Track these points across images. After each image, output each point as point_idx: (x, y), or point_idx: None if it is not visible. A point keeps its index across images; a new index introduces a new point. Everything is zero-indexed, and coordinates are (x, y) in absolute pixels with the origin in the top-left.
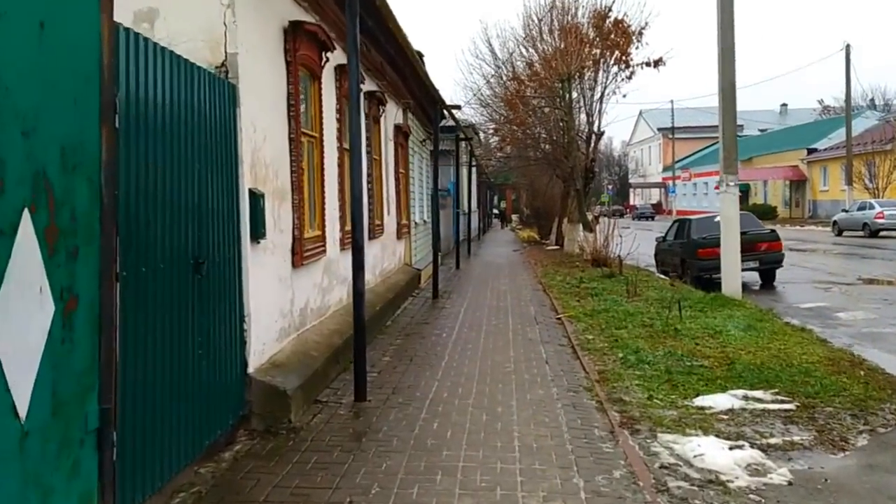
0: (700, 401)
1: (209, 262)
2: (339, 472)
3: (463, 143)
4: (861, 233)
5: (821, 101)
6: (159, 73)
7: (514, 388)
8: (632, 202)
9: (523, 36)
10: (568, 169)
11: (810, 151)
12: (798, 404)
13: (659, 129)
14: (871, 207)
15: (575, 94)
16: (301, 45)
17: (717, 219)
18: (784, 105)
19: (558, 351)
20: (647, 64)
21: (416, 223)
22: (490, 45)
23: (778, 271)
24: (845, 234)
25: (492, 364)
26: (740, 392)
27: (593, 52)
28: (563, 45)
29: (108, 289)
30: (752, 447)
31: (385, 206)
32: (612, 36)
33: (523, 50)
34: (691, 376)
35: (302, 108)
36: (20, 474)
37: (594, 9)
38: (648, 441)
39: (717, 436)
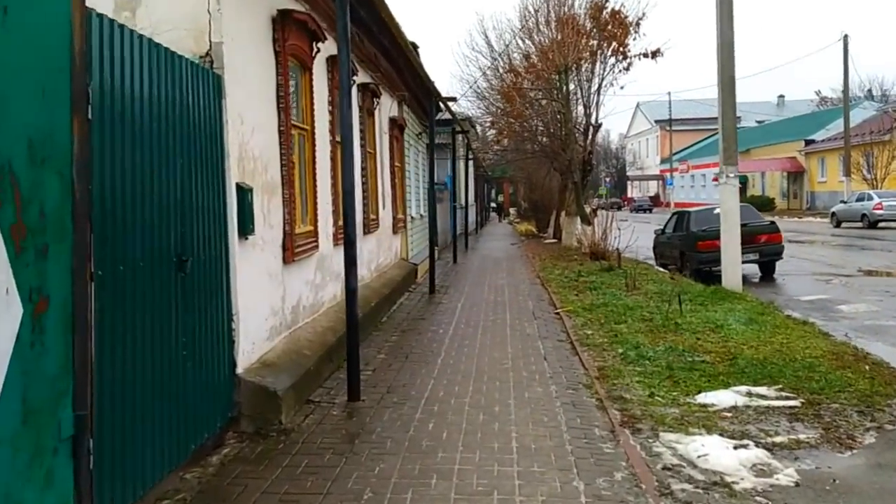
0: (702, 398)
1: (194, 259)
2: (331, 476)
3: (460, 137)
4: (860, 224)
5: (818, 93)
6: (137, 62)
7: (512, 386)
8: (629, 195)
9: (520, 27)
10: (566, 161)
11: (808, 143)
12: (803, 401)
13: (656, 122)
14: (870, 198)
15: (572, 86)
16: (290, 35)
17: (717, 211)
18: (781, 96)
19: (557, 347)
20: (645, 55)
21: (412, 217)
22: (486, 36)
23: (778, 263)
24: (844, 225)
25: (489, 361)
26: (744, 388)
27: (590, 44)
28: (559, 37)
29: (81, 289)
30: (757, 446)
31: (380, 201)
32: (610, 27)
33: (520, 41)
34: (693, 372)
35: (292, 99)
36: None
37: None
38: (650, 441)
39: (720, 435)
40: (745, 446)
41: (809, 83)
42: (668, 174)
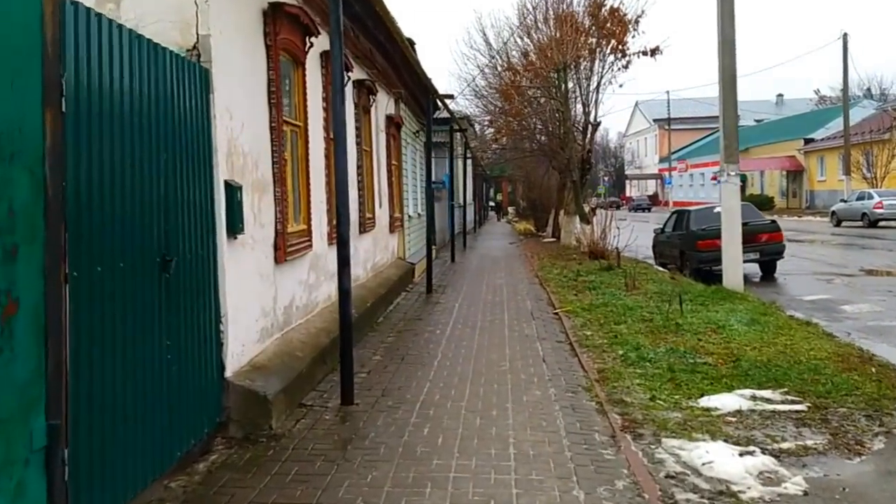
0: (706, 401)
1: (179, 259)
2: (321, 484)
3: (458, 135)
4: (860, 223)
5: (817, 91)
6: (117, 54)
7: (510, 389)
8: (628, 194)
9: (518, 25)
10: (564, 160)
11: (807, 141)
12: (809, 405)
13: (655, 121)
14: (870, 197)
15: (571, 84)
16: (282, 29)
17: (717, 210)
18: (780, 95)
19: (556, 348)
20: (644, 53)
21: (409, 216)
22: (484, 34)
23: (778, 263)
24: (844, 224)
25: (486, 363)
26: (748, 392)
27: (589, 42)
28: (558, 34)
29: (54, 291)
30: (763, 453)
31: (377, 199)
32: (609, 25)
33: (518, 39)
34: (695, 375)
35: (285, 95)
36: None
37: None
38: (653, 447)
39: (725, 441)
40: (751, 453)
41: (808, 82)
42: (666, 173)
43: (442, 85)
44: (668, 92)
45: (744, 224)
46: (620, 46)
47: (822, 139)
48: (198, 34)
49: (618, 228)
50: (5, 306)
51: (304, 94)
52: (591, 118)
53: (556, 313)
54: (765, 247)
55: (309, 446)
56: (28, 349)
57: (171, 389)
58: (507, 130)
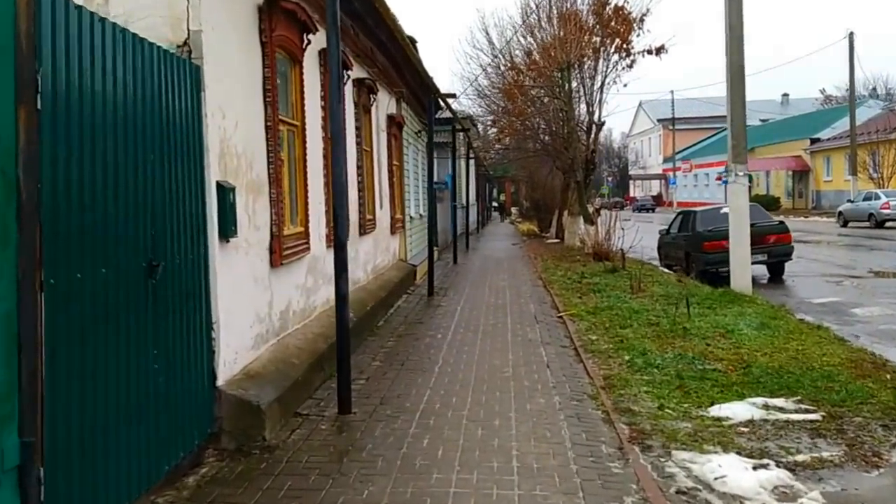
0: (716, 410)
1: (167, 264)
2: (315, 500)
3: (460, 135)
4: (867, 223)
5: (822, 91)
6: (99, 49)
7: (513, 397)
8: (632, 194)
9: (521, 24)
10: (568, 160)
11: (813, 141)
12: (824, 414)
13: (659, 120)
14: (877, 198)
15: (575, 84)
16: (278, 25)
17: (724, 210)
18: (785, 95)
19: (560, 353)
20: (649, 52)
21: (411, 217)
22: (487, 33)
23: (786, 264)
24: (851, 224)
25: (489, 369)
26: (760, 400)
27: (593, 41)
28: (562, 33)
29: (29, 300)
30: (778, 466)
31: (377, 200)
32: (613, 23)
33: (521, 38)
34: (704, 382)
35: (281, 94)
36: None
37: None
38: (662, 460)
39: (738, 453)
40: (765, 466)
41: (813, 81)
42: (670, 173)
43: (444, 84)
44: (672, 92)
45: (751, 225)
46: (625, 45)
47: (829, 139)
48: (189, 30)
49: (622, 229)
50: None
51: (302, 92)
52: (596, 118)
53: (560, 316)
54: (773, 248)
55: (303, 459)
56: None
57: (158, 401)
58: (510, 130)
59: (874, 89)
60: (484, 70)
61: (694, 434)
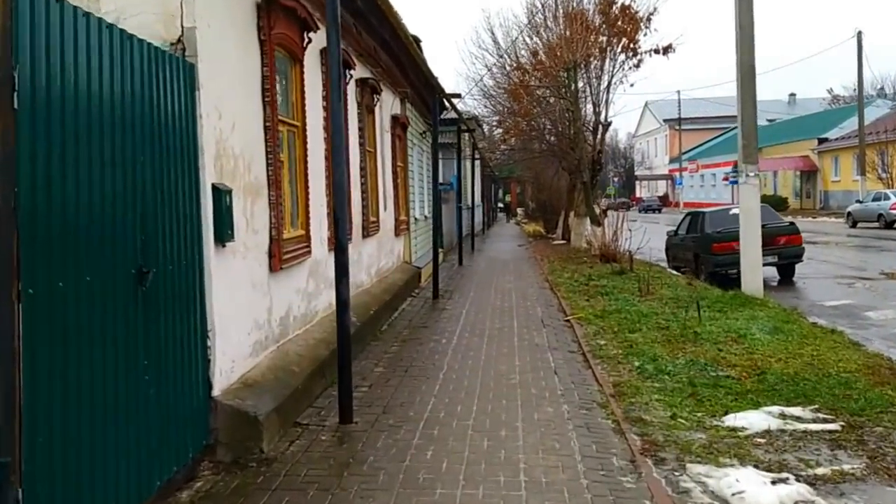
0: (731, 420)
1: (159, 270)
2: None
3: (466, 136)
4: (876, 224)
5: (830, 91)
6: (83, 45)
7: (520, 406)
8: (638, 194)
9: (527, 23)
10: (574, 161)
11: (821, 141)
12: (843, 424)
13: (665, 121)
14: (887, 198)
15: (581, 84)
16: (277, 23)
17: (733, 211)
18: (792, 95)
19: (568, 359)
20: (656, 51)
21: (415, 219)
22: (493, 33)
23: (796, 266)
24: (860, 225)
25: (495, 375)
26: (776, 409)
27: (599, 40)
28: (568, 33)
29: (4, 311)
30: (798, 480)
31: (381, 202)
32: (619, 22)
33: (527, 38)
34: (718, 389)
35: (281, 93)
36: None
37: None
38: (677, 474)
39: (756, 466)
40: (784, 480)
41: (820, 81)
42: (677, 174)
43: (449, 85)
44: (678, 92)
45: (761, 226)
46: (632, 45)
47: (837, 139)
48: (182, 27)
49: (629, 230)
50: None
51: (303, 92)
52: (602, 118)
53: (568, 320)
54: (783, 250)
55: (302, 472)
56: None
57: (149, 413)
58: (515, 131)
59: (882, 89)
60: (489, 70)
61: (709, 446)
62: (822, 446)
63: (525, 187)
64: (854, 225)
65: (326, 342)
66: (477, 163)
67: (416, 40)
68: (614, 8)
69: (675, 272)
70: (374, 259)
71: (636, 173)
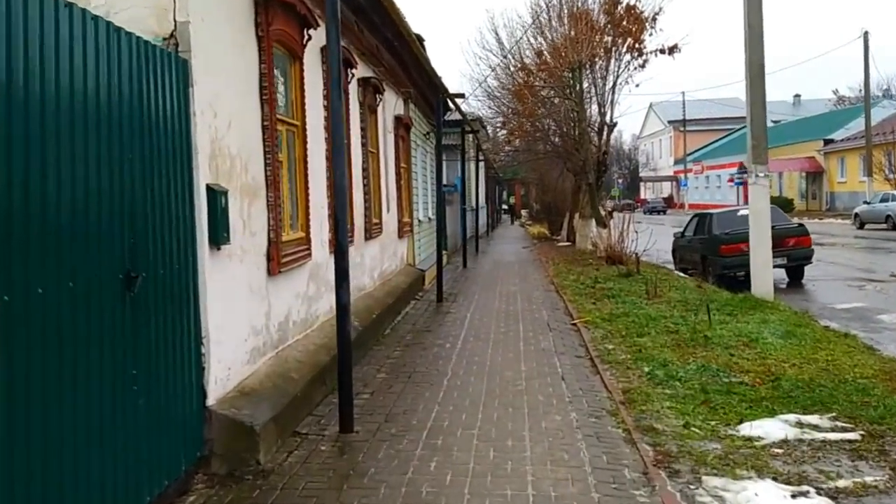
0: (746, 429)
1: (149, 275)
2: None
3: (470, 137)
4: (884, 225)
5: (835, 91)
6: (66, 39)
7: (527, 414)
8: (642, 196)
9: (531, 23)
10: (579, 162)
11: (827, 142)
12: (863, 433)
13: (670, 122)
14: (894, 199)
15: (586, 84)
16: (276, 19)
17: (741, 213)
18: (797, 96)
19: (575, 364)
20: (662, 51)
21: (419, 221)
22: (497, 34)
23: (805, 267)
24: (867, 226)
25: (500, 381)
26: (793, 417)
27: (604, 40)
28: (572, 33)
29: None
30: (819, 493)
31: (384, 204)
32: (625, 23)
33: (531, 38)
34: (731, 396)
35: (279, 92)
36: None
37: None
38: (692, 487)
39: (774, 479)
40: (804, 494)
41: (825, 82)
42: (682, 175)
43: (453, 86)
44: (683, 93)
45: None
46: (637, 45)
47: (843, 140)
48: (175, 21)
49: (636, 232)
50: None
51: (302, 90)
52: (607, 119)
53: (574, 324)
54: (792, 252)
55: (300, 485)
56: None
57: (138, 425)
58: (520, 132)
59: (888, 89)
60: (493, 71)
61: (725, 457)
62: (843, 457)
63: (529, 189)
64: (861, 226)
65: (327, 348)
66: (481, 164)
67: (420, 39)
68: (619, 8)
69: (682, 274)
70: (377, 262)
71: (641, 175)
